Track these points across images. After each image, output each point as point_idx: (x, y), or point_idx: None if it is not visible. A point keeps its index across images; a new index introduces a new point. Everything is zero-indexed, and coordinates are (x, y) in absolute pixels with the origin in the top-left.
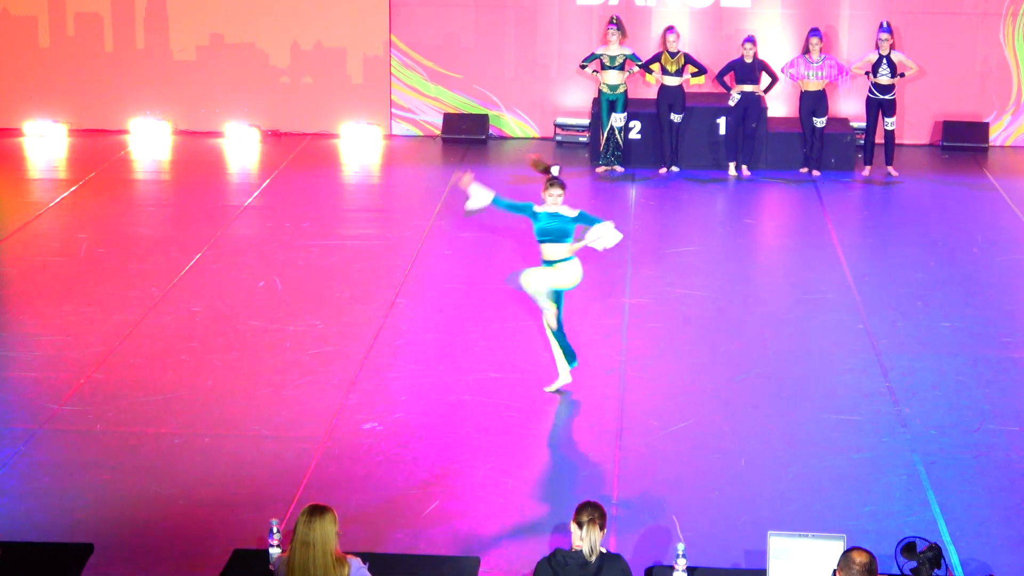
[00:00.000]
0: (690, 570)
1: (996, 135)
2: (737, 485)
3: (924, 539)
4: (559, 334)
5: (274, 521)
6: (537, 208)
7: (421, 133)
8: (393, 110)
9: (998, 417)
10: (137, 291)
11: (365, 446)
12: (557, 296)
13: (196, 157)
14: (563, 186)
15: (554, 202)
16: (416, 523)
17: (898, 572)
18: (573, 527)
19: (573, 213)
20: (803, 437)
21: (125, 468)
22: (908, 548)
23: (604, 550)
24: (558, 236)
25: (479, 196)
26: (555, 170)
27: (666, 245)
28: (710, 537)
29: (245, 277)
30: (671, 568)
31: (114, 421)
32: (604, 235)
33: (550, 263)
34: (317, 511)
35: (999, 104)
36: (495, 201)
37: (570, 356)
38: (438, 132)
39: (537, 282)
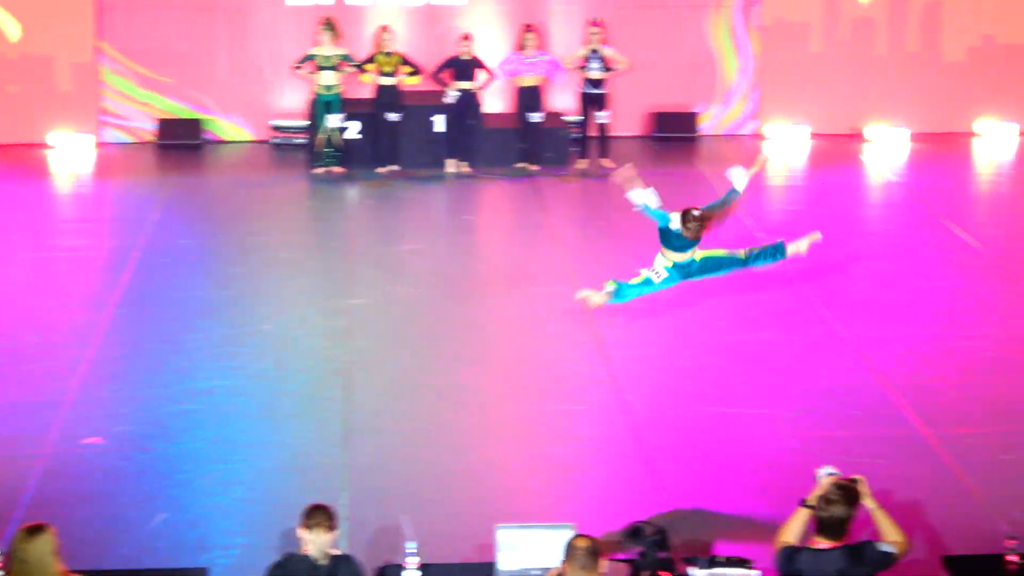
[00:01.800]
0: (422, 567)
1: (704, 125)
2: (467, 480)
3: (649, 523)
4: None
5: None
6: (673, 223)
7: (135, 140)
8: (104, 117)
9: (717, 401)
10: None
11: (87, 461)
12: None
13: None
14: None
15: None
16: (142, 537)
17: (624, 557)
18: (301, 532)
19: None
20: (530, 428)
21: None
22: (634, 533)
23: (336, 552)
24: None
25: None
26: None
27: (388, 244)
28: (441, 533)
29: None
30: (402, 567)
31: None
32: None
33: (678, 264)
34: (34, 531)
35: (706, 95)
36: (645, 207)
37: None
38: (152, 138)
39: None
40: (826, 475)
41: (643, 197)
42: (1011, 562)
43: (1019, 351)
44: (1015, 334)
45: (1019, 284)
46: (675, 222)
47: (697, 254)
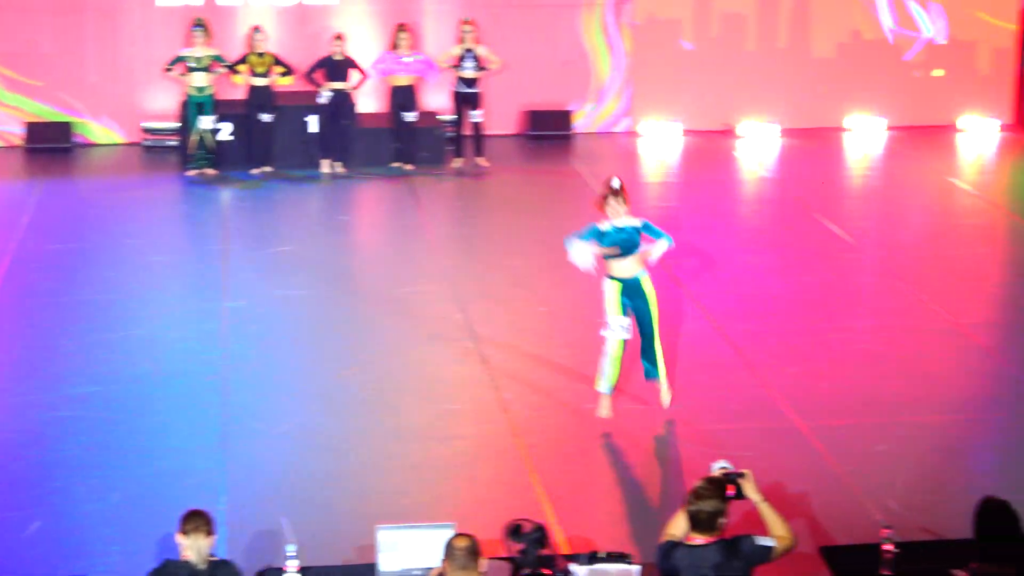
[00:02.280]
0: (302, 570)
1: (579, 122)
2: (346, 481)
3: (530, 520)
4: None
5: None
6: (601, 225)
7: (2, 144)
8: None
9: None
10: None
11: None
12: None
13: None
14: (621, 195)
15: (615, 213)
16: (17, 547)
17: (506, 555)
18: (179, 538)
19: (637, 223)
20: (409, 429)
21: None
22: (514, 531)
23: (215, 557)
24: (625, 249)
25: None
26: (615, 182)
27: (263, 246)
28: (321, 535)
29: None
30: (282, 570)
31: None
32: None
33: (621, 280)
34: None
35: (580, 93)
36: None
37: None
38: (20, 142)
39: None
40: (719, 469)
41: (578, 250)
42: (887, 551)
43: (890, 343)
44: (886, 326)
45: (890, 277)
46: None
47: (644, 279)
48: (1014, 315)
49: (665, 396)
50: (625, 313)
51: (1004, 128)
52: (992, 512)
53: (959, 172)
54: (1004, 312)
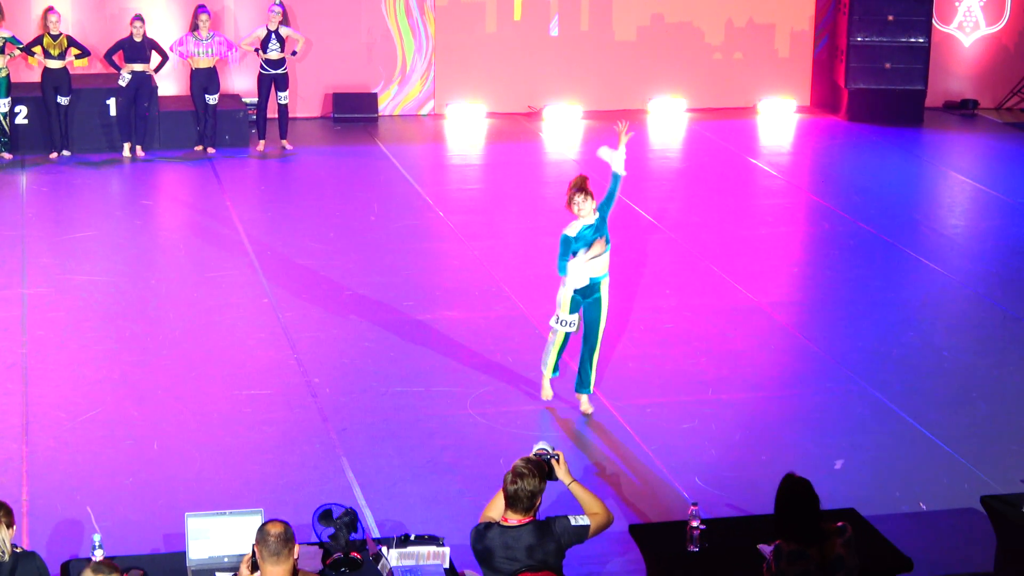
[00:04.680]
0: (105, 559)
1: (385, 105)
2: (152, 469)
3: (340, 505)
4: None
5: None
6: (570, 231)
7: None
8: None
9: (403, 380)
10: None
11: None
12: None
13: None
14: (587, 191)
15: (580, 211)
16: None
17: (316, 540)
18: None
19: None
20: (216, 415)
21: None
22: (325, 516)
23: (18, 548)
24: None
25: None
26: (579, 180)
27: (63, 232)
28: (128, 524)
29: None
30: (89, 560)
31: None
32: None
33: (595, 280)
34: None
35: (386, 75)
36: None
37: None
38: None
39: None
40: (538, 449)
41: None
42: (693, 528)
43: (694, 323)
44: (690, 306)
45: (692, 258)
46: (570, 228)
47: (604, 282)
48: (813, 293)
49: (587, 406)
50: (574, 311)
51: (801, 110)
52: (792, 489)
53: (759, 153)
54: (804, 290)
